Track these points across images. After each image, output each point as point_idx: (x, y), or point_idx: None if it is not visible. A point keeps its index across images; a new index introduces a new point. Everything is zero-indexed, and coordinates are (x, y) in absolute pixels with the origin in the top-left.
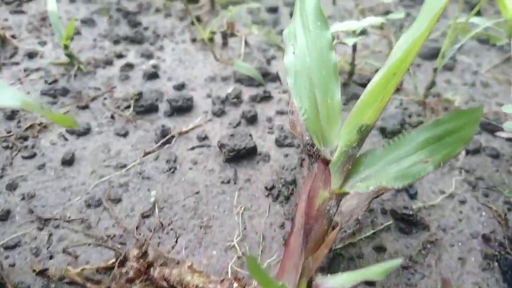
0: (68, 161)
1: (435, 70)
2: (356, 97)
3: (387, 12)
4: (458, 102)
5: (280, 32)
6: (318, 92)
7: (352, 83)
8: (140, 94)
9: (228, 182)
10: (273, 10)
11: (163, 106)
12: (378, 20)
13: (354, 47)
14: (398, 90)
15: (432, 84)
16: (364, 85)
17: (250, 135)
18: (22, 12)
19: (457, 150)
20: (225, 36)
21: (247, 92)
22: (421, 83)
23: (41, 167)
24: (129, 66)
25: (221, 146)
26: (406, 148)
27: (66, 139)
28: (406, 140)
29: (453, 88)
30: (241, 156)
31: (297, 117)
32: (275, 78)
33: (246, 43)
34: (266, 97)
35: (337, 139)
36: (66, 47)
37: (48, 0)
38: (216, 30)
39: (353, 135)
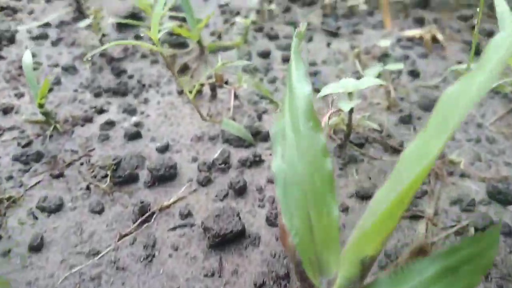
0: (36, 247)
1: None
2: (353, 160)
3: (384, 55)
4: (464, 164)
5: (273, 80)
6: (312, 208)
7: (349, 143)
8: (118, 163)
9: (212, 275)
10: (265, 54)
11: (144, 175)
12: (377, 81)
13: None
14: (398, 151)
15: None
16: (361, 145)
17: (238, 215)
18: (1, 57)
19: (475, 282)
20: (213, 87)
21: (236, 155)
22: None
23: (6, 253)
24: (110, 123)
25: (205, 229)
26: (416, 280)
27: (36, 218)
28: (416, 270)
29: (457, 145)
30: (228, 240)
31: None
32: (267, 137)
33: (236, 96)
34: (256, 162)
35: (335, 266)
36: (41, 105)
37: (25, 52)
38: (204, 81)
39: (355, 267)
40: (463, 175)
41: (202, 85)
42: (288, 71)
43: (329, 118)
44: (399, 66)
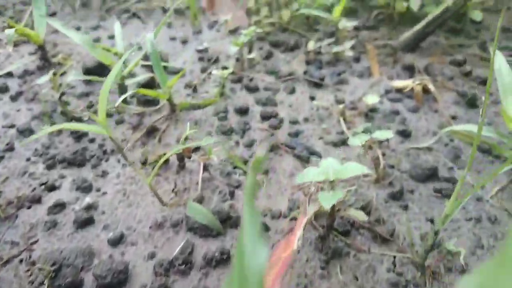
0: None
1: (436, 232)
2: (337, 254)
3: (371, 110)
4: (464, 254)
5: (250, 143)
6: None
7: (333, 231)
8: (59, 269)
9: None
10: (243, 111)
11: (89, 280)
12: (363, 170)
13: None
14: (388, 241)
15: (432, 247)
16: (346, 233)
17: None
18: None
19: None
20: (181, 157)
21: (202, 248)
22: (418, 223)
23: None
24: (60, 205)
25: None
26: None
27: None
28: None
29: (455, 226)
30: None
31: None
32: (238, 222)
33: (206, 167)
34: (224, 260)
35: None
36: None
37: None
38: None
39: None
40: (463, 271)
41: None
42: (240, 231)
43: (304, 227)
44: (388, 134)
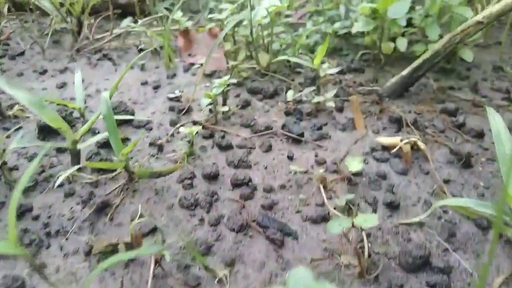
0: None
1: None
2: None
3: (355, 173)
4: None
5: (216, 221)
6: None
7: None
8: None
9: None
10: (212, 177)
11: None
12: None
13: None
14: None
15: None
16: None
17: None
18: None
19: None
20: (131, 247)
21: None
22: None
23: None
24: None
25: None
26: None
27: None
28: None
29: None
30: None
31: None
32: None
33: (158, 262)
34: None
35: None
36: None
37: None
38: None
39: None
40: None
41: (115, 245)
42: None
43: None
44: (373, 221)
